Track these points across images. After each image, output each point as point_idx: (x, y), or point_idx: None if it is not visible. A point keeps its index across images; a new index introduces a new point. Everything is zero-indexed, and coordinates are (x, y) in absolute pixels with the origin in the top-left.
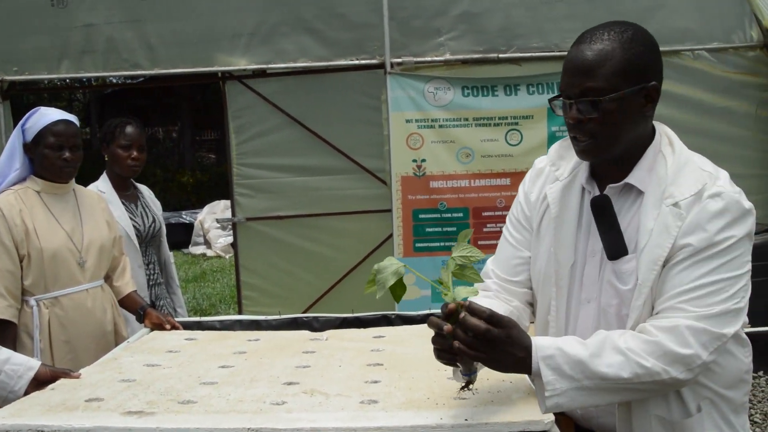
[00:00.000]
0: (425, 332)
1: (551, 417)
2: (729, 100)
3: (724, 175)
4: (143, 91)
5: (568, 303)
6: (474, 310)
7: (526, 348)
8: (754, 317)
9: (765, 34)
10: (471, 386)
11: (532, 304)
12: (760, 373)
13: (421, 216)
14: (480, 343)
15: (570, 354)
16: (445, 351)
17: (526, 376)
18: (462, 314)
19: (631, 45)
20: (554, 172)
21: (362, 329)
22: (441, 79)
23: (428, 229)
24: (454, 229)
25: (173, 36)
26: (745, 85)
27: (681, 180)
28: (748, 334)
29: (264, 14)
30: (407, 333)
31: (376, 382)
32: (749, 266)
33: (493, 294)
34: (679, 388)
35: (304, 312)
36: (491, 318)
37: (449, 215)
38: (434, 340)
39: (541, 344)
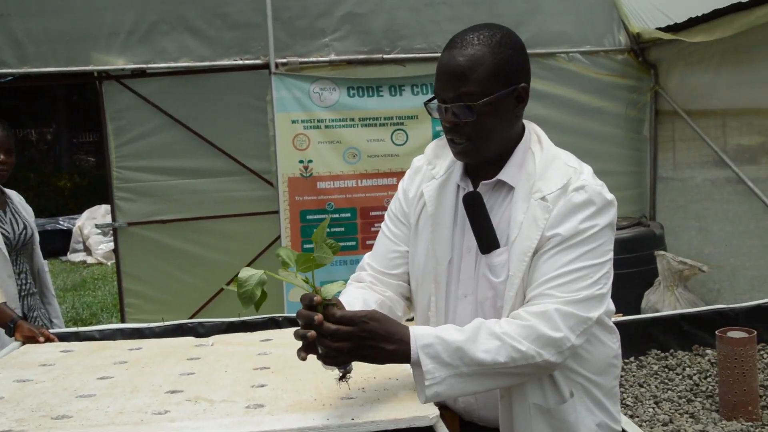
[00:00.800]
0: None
1: (436, 412)
2: (601, 100)
3: (587, 169)
4: (12, 90)
5: (446, 298)
6: (326, 314)
7: (399, 339)
8: (625, 306)
9: (632, 39)
10: (348, 376)
11: (408, 299)
12: (631, 359)
13: (309, 217)
14: (338, 345)
15: (448, 341)
16: (306, 347)
17: (411, 372)
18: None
19: (501, 49)
20: (430, 170)
21: (249, 333)
22: (326, 80)
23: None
24: (343, 229)
25: (44, 33)
26: (615, 87)
27: (548, 175)
28: (619, 322)
29: (143, 12)
30: None
31: (262, 386)
32: (611, 254)
33: (366, 285)
34: (551, 371)
35: (190, 318)
36: (341, 319)
37: (337, 215)
38: (297, 335)
39: (420, 333)
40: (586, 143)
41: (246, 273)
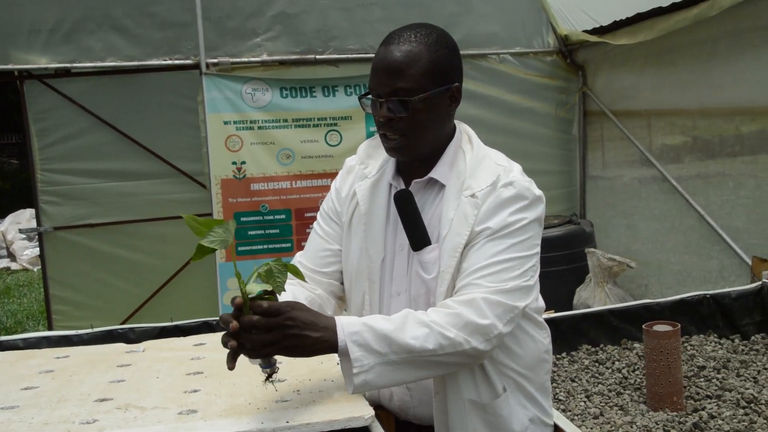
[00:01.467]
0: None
1: (371, 412)
2: (531, 101)
3: (517, 167)
4: None
5: (380, 296)
6: (252, 306)
7: (325, 327)
8: (557, 303)
9: (560, 41)
10: (274, 376)
11: (340, 298)
12: (564, 354)
13: (243, 219)
14: (261, 336)
15: (376, 329)
16: (233, 353)
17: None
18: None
19: (437, 48)
20: (363, 170)
21: (182, 338)
22: (259, 80)
23: (250, 232)
24: (277, 231)
25: None
26: (545, 88)
27: (478, 173)
28: (551, 318)
29: (65, 9)
30: None
31: (195, 391)
32: (538, 249)
33: (296, 282)
34: (479, 360)
35: (122, 324)
36: (268, 310)
37: (271, 217)
38: (223, 340)
39: (347, 322)
40: (517, 143)
41: (220, 227)
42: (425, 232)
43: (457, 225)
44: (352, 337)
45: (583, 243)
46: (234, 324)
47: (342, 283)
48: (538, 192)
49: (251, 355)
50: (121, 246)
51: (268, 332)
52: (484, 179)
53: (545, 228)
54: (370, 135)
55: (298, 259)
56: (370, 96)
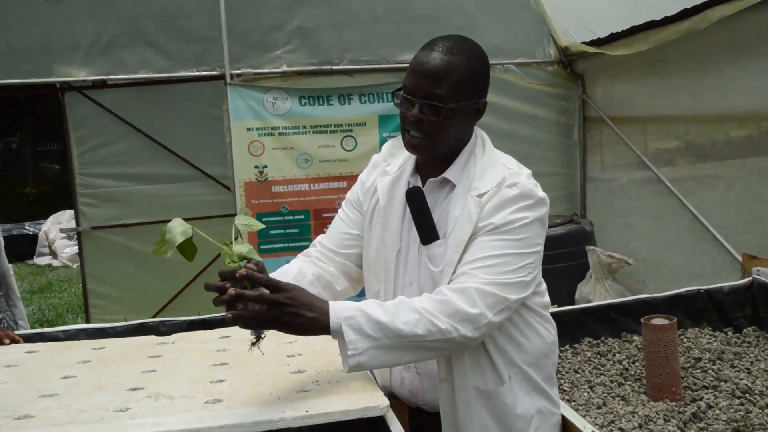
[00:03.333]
0: (270, 330)
1: (386, 402)
2: (534, 108)
3: (525, 171)
4: None
5: (394, 285)
6: (252, 278)
7: (319, 309)
8: (560, 298)
9: (560, 52)
10: (261, 339)
11: (355, 280)
12: (567, 346)
13: (265, 219)
14: (264, 312)
15: (370, 315)
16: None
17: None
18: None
19: (474, 63)
20: (385, 167)
21: (209, 330)
22: (279, 90)
23: (272, 232)
24: (297, 230)
25: (6, 45)
26: (547, 96)
27: (486, 176)
28: (554, 313)
29: (102, 26)
30: None
31: (221, 381)
32: (539, 248)
33: (310, 260)
34: (469, 346)
35: (153, 317)
36: (267, 284)
37: (291, 218)
38: (211, 287)
39: (343, 306)
40: (520, 147)
41: (175, 222)
42: (434, 227)
43: (462, 222)
44: (347, 321)
45: (584, 241)
46: (231, 291)
47: (358, 266)
48: (542, 194)
49: (251, 327)
50: (152, 244)
51: (270, 308)
52: (491, 181)
53: (548, 227)
54: (382, 140)
55: (320, 240)
56: (403, 93)
